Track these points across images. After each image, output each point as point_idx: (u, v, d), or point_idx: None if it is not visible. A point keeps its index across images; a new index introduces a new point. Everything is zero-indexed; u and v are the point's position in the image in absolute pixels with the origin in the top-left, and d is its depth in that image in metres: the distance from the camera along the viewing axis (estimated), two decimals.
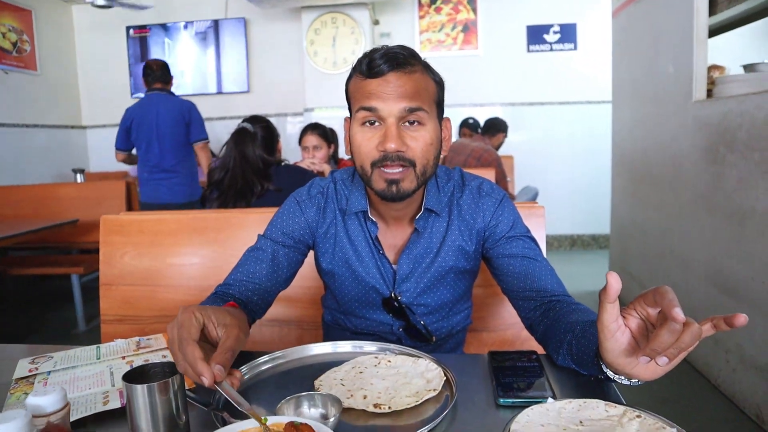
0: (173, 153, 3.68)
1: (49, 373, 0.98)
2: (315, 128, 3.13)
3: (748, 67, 2.64)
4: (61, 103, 6.00)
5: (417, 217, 1.13)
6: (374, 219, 1.15)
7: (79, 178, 4.86)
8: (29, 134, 5.44)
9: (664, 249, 3.17)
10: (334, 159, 3.34)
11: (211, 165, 2.24)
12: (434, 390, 0.84)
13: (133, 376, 0.73)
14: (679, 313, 0.64)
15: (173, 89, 3.85)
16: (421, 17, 5.73)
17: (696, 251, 2.76)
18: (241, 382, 0.92)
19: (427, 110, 1.02)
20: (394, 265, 1.17)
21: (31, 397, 0.65)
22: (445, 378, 0.88)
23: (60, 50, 5.97)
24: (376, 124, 1.01)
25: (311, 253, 1.25)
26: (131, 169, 5.49)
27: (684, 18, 2.81)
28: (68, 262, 3.83)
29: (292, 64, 5.74)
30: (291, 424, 0.65)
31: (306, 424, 0.65)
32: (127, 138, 3.71)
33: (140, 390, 0.69)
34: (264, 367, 0.98)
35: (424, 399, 0.82)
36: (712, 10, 2.71)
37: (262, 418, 0.68)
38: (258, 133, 2.20)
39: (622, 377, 0.80)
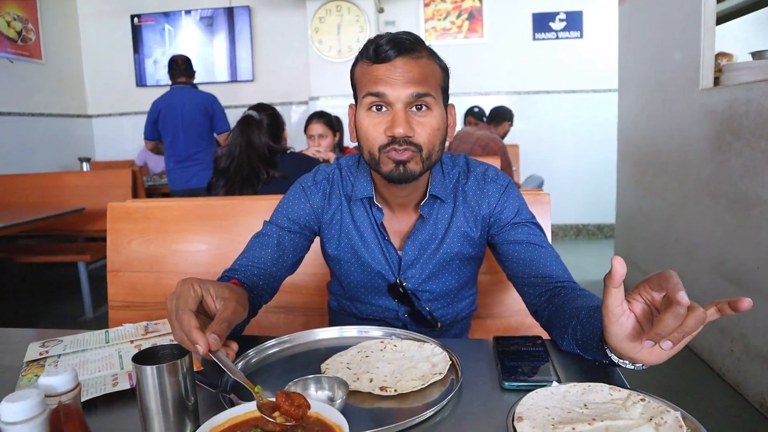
0: (196, 143, 3.95)
1: (59, 356, 0.99)
2: (320, 116, 3.13)
3: (757, 54, 2.62)
4: (67, 92, 6.01)
5: (422, 203, 1.13)
6: (380, 205, 1.15)
7: (85, 166, 4.88)
8: (35, 123, 5.45)
9: (669, 238, 3.17)
10: (339, 147, 3.34)
11: (216, 153, 2.24)
12: (440, 374, 0.85)
13: (143, 358, 0.74)
14: (683, 297, 0.64)
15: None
16: (426, 5, 5.70)
17: (701, 240, 2.76)
18: (248, 366, 0.93)
19: (434, 96, 1.02)
20: (399, 252, 1.17)
21: (43, 377, 0.66)
22: (450, 362, 0.89)
23: (64, 39, 5.97)
24: (384, 109, 1.02)
25: (317, 241, 1.26)
26: (137, 158, 5.52)
27: (691, 5, 2.78)
28: (75, 250, 3.85)
29: (296, 53, 5.73)
30: (283, 393, 0.66)
31: (297, 393, 0.66)
32: (154, 129, 3.99)
33: (149, 371, 0.70)
34: (271, 351, 0.99)
35: (429, 382, 0.83)
36: None
37: (255, 387, 0.69)
38: (264, 120, 2.20)
39: (627, 361, 0.80)
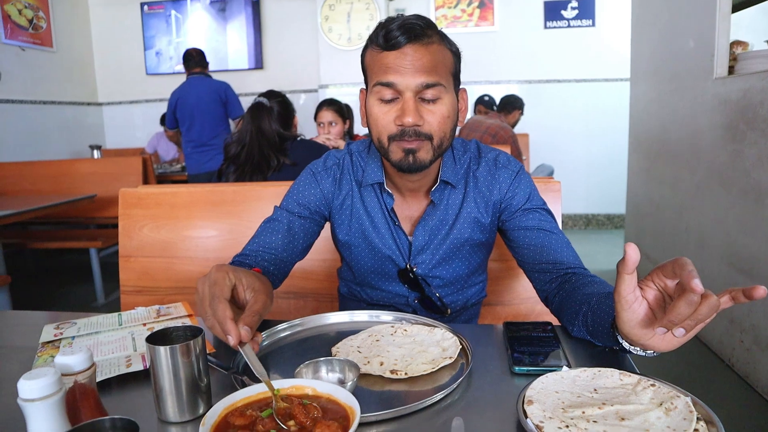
0: (212, 128, 4.18)
1: (73, 338, 1.00)
2: (330, 104, 3.13)
3: None
4: (77, 80, 6.04)
5: (433, 189, 1.13)
6: (390, 191, 1.15)
7: (96, 154, 4.91)
8: (47, 111, 5.49)
9: (680, 228, 3.15)
10: (349, 135, 3.34)
11: (227, 140, 2.25)
12: (450, 358, 0.85)
13: (156, 339, 0.75)
14: (698, 284, 0.64)
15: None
16: None
17: (712, 230, 2.74)
18: (260, 348, 0.94)
19: (444, 84, 1.01)
20: (409, 237, 1.18)
21: (59, 357, 0.67)
22: (460, 347, 0.89)
23: (75, 27, 5.99)
24: (394, 97, 1.01)
25: (327, 227, 1.26)
26: (148, 146, 5.54)
27: None
28: (86, 237, 3.89)
29: (306, 41, 5.72)
30: (300, 403, 0.65)
31: (313, 405, 0.65)
32: (173, 118, 4.26)
33: (163, 351, 0.71)
34: (282, 335, 1.00)
35: (440, 366, 0.83)
36: None
37: (276, 390, 0.69)
38: (274, 107, 2.20)
39: (638, 348, 0.80)
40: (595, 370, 0.79)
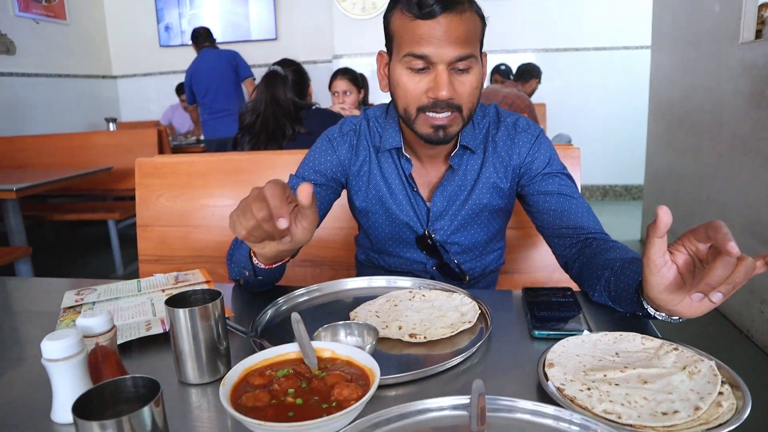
0: (226, 95, 4.42)
1: (93, 303, 1.01)
2: (345, 73, 3.10)
3: None
4: (92, 53, 6.04)
5: (452, 154, 1.11)
6: (408, 156, 1.14)
7: (112, 126, 4.94)
8: (62, 84, 5.51)
9: (701, 197, 3.09)
10: (363, 104, 3.31)
11: (241, 109, 2.23)
12: (469, 322, 0.84)
13: (175, 302, 0.75)
14: (734, 246, 0.62)
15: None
16: None
17: (733, 199, 2.69)
18: (278, 313, 0.94)
19: (476, 55, 0.99)
20: (428, 203, 1.16)
21: (81, 319, 0.67)
22: (479, 311, 0.89)
23: None
24: (425, 67, 0.98)
25: (344, 195, 1.25)
26: (162, 118, 5.56)
27: None
28: (104, 209, 3.92)
29: (320, 10, 5.64)
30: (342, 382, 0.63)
31: (356, 386, 0.63)
32: (192, 93, 4.50)
33: (182, 314, 0.71)
34: (300, 300, 1.00)
35: (459, 330, 0.83)
36: None
37: (320, 372, 0.67)
38: (289, 76, 2.18)
39: (663, 314, 0.79)
40: (617, 334, 0.78)
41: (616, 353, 0.75)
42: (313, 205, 0.73)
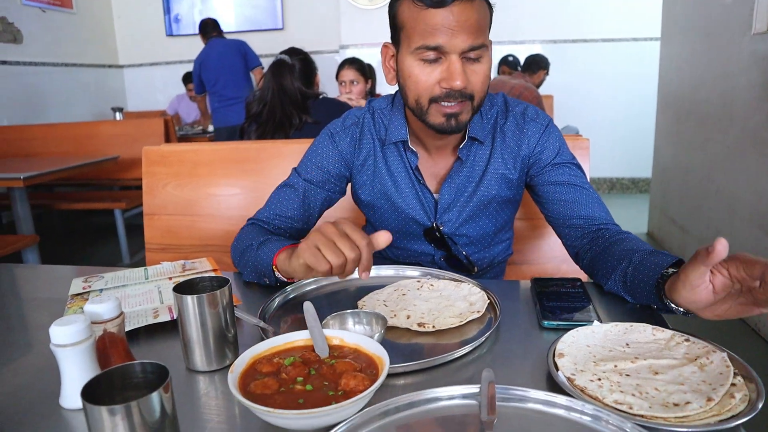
0: (235, 83, 4.46)
1: (101, 290, 1.01)
2: (352, 63, 3.08)
3: None
4: (98, 42, 6.03)
5: (461, 146, 1.10)
6: (414, 148, 1.12)
7: (118, 116, 4.94)
8: (69, 73, 5.51)
9: (709, 190, 3.07)
10: (370, 94, 3.29)
11: (248, 98, 2.22)
12: (478, 312, 0.84)
13: (183, 289, 0.75)
14: None
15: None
16: None
17: (743, 193, 2.66)
18: (286, 301, 0.94)
19: (487, 44, 0.97)
20: (435, 195, 1.15)
21: (89, 305, 0.67)
22: (488, 301, 0.88)
23: None
24: (436, 57, 0.96)
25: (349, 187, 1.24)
26: (169, 108, 5.55)
27: None
28: (111, 198, 3.93)
29: (327, 0, 5.60)
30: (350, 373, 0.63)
31: (364, 377, 0.62)
32: (200, 83, 4.55)
33: (190, 300, 0.71)
34: (308, 288, 1.00)
35: (467, 320, 0.82)
36: None
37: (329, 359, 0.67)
38: (296, 65, 2.16)
39: (681, 309, 0.78)
40: (627, 324, 0.78)
41: (627, 344, 0.74)
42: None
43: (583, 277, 1.05)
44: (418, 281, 0.98)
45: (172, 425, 0.51)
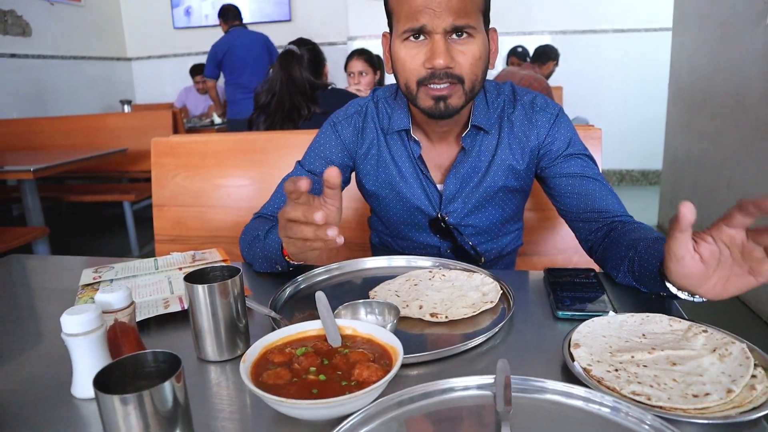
0: (260, 76, 4.27)
1: (111, 281, 1.01)
2: (361, 54, 3.07)
3: None
4: (106, 35, 6.03)
5: (464, 134, 1.07)
6: (417, 138, 1.10)
7: (127, 108, 4.94)
8: (77, 66, 5.51)
9: (720, 183, 3.04)
10: (379, 85, 3.28)
11: (257, 89, 2.22)
12: (491, 302, 0.83)
13: (194, 279, 0.74)
14: None
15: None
16: None
17: (756, 185, 2.63)
18: (297, 291, 0.94)
19: (475, 25, 0.94)
20: (439, 185, 1.13)
21: (100, 294, 0.67)
22: (501, 291, 0.87)
23: None
24: (422, 38, 0.95)
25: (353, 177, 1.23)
26: (176, 101, 5.56)
27: None
28: (120, 190, 3.95)
29: None
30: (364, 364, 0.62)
31: (378, 368, 0.61)
32: (217, 68, 4.49)
33: (201, 290, 0.70)
34: (319, 278, 0.99)
35: (480, 310, 0.81)
36: None
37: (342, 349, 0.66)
38: (304, 55, 2.15)
39: (686, 293, 0.77)
40: (644, 315, 0.77)
41: (643, 334, 0.73)
42: (338, 188, 0.75)
43: (596, 268, 1.03)
44: (430, 271, 0.97)
45: (185, 414, 0.51)
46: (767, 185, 2.52)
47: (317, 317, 0.70)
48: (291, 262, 0.96)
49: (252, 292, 0.97)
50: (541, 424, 0.56)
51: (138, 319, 0.81)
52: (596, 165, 1.11)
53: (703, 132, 3.34)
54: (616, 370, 0.64)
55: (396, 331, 0.75)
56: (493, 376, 0.61)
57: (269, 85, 2.14)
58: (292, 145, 1.56)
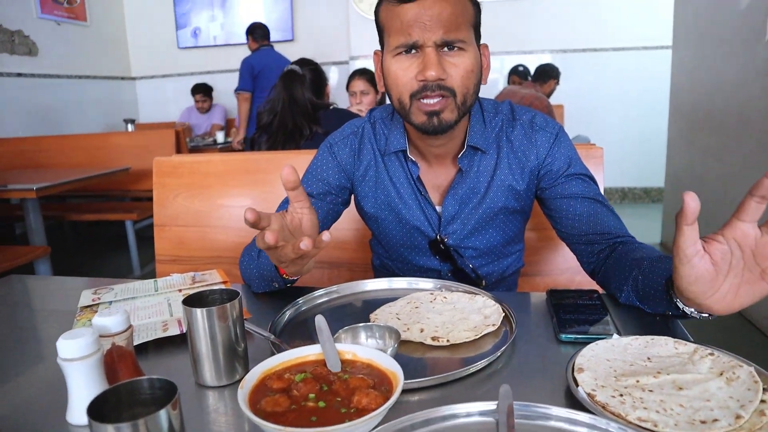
0: None
1: (110, 302, 1.00)
2: (363, 73, 3.09)
3: None
4: (111, 55, 6.10)
5: (461, 155, 1.06)
6: (414, 158, 1.09)
7: (130, 127, 4.97)
8: (82, 85, 5.56)
9: (724, 200, 3.03)
10: (380, 104, 3.30)
11: (259, 108, 2.23)
12: (493, 325, 0.82)
13: (193, 302, 0.73)
14: None
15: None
16: None
17: None
18: (297, 313, 0.93)
19: (466, 38, 0.94)
20: (438, 207, 1.11)
21: (97, 318, 0.66)
22: (503, 314, 0.86)
23: (108, 1, 6.03)
24: (413, 52, 0.94)
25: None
26: (178, 124, 5.59)
27: None
28: (122, 209, 3.95)
29: (336, 12, 5.64)
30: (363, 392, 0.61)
31: (378, 395, 0.60)
32: (251, 81, 4.45)
33: (200, 314, 0.70)
34: (319, 301, 0.98)
35: (482, 333, 0.80)
36: None
37: (342, 374, 0.65)
38: (306, 75, 2.17)
39: (692, 309, 0.76)
40: (648, 338, 0.75)
41: (648, 358, 0.72)
42: (300, 187, 0.79)
43: (600, 289, 1.02)
44: (432, 294, 0.96)
45: None
46: None
47: (317, 341, 0.69)
48: (287, 278, 0.97)
49: (252, 314, 0.96)
50: None
51: (136, 343, 0.80)
52: (597, 185, 1.10)
53: (705, 149, 3.34)
54: (621, 395, 0.63)
55: (397, 355, 0.75)
56: (496, 402, 0.60)
57: (271, 105, 2.15)
58: (294, 165, 1.54)
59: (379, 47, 1.04)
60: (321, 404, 0.59)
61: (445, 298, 0.94)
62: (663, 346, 0.74)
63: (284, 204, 1.13)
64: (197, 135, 5.54)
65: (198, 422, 0.64)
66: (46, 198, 3.91)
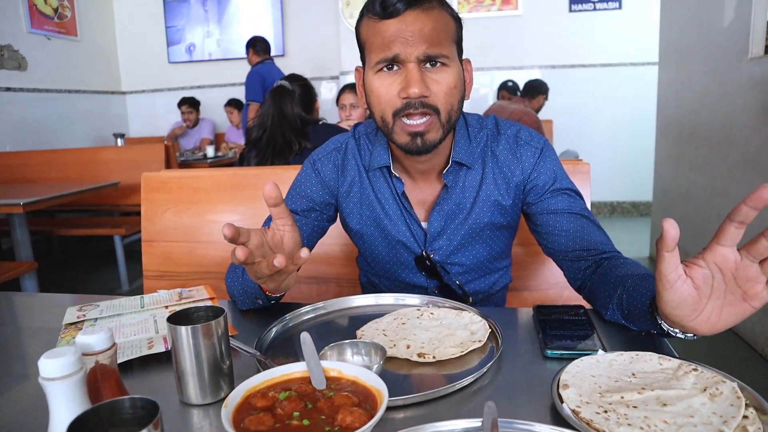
0: None
1: (95, 320, 0.99)
2: (353, 87, 3.11)
3: None
4: (102, 69, 6.09)
5: (445, 171, 1.06)
6: (398, 174, 1.08)
7: (120, 142, 4.96)
8: (72, 99, 5.55)
9: (711, 214, 3.06)
10: (370, 118, 3.32)
11: (249, 123, 2.23)
12: (479, 341, 0.82)
13: (178, 319, 0.73)
14: None
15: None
16: None
17: None
18: (285, 329, 0.92)
19: (448, 54, 0.94)
20: (424, 223, 1.11)
21: (80, 336, 0.65)
22: (489, 330, 0.86)
23: (99, 16, 6.04)
24: (395, 68, 0.94)
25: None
26: (168, 135, 5.58)
27: None
28: (111, 224, 3.93)
29: (327, 27, 5.68)
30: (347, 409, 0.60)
31: (362, 414, 0.59)
32: (263, 92, 4.37)
33: (184, 331, 0.69)
34: (306, 317, 0.98)
35: (469, 350, 0.80)
36: None
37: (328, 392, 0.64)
38: (296, 91, 2.18)
39: (677, 330, 0.76)
40: (633, 353, 0.76)
41: (633, 374, 0.72)
42: (282, 204, 0.79)
43: (587, 304, 1.03)
44: (418, 309, 0.96)
45: None
46: (756, 217, 2.54)
47: (303, 357, 0.69)
48: (270, 295, 0.96)
49: (238, 330, 0.96)
50: None
51: (120, 360, 0.80)
52: (583, 200, 1.10)
53: (691, 164, 3.38)
54: (606, 411, 0.63)
55: (383, 372, 0.74)
56: (481, 419, 0.60)
57: (261, 120, 2.16)
58: (283, 180, 1.56)
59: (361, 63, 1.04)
60: (305, 422, 0.58)
61: (431, 314, 0.94)
62: (647, 361, 0.74)
63: (269, 221, 1.13)
64: (186, 150, 5.54)
65: None
66: (34, 213, 3.88)
